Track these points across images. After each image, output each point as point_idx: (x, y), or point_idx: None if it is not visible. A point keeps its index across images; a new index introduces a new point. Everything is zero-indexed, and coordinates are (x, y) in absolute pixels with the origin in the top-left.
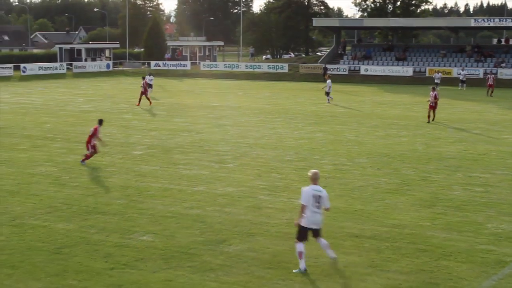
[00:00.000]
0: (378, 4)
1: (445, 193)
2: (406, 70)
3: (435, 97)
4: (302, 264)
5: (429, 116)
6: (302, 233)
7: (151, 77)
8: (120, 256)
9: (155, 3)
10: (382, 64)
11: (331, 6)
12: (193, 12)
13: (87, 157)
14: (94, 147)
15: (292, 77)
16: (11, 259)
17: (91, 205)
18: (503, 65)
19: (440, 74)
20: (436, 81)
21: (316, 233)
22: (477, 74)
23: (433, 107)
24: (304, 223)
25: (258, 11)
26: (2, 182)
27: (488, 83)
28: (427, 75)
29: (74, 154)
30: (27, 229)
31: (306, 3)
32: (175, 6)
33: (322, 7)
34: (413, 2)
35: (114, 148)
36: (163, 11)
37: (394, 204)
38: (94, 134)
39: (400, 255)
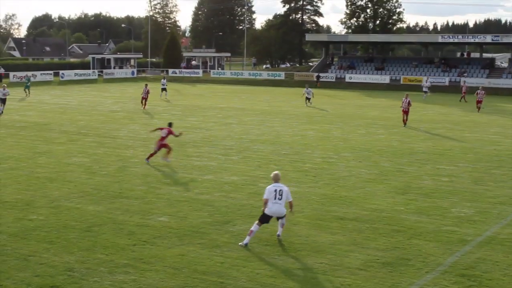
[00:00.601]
0: (360, 22)
1: (416, 182)
2: (384, 78)
3: (409, 103)
4: (247, 240)
5: (403, 120)
6: (264, 218)
7: (165, 80)
8: (141, 234)
9: (173, 20)
10: (364, 73)
11: (321, 24)
12: (204, 28)
13: (151, 155)
14: (162, 146)
15: (288, 84)
16: (49, 235)
17: (117, 191)
18: (465, 74)
19: (429, 82)
20: (424, 89)
21: (280, 218)
22: (443, 82)
23: (406, 112)
24: (267, 211)
25: (260, 28)
26: (43, 170)
27: (477, 99)
28: (401, 82)
29: (103, 147)
30: (62, 210)
31: (300, 21)
32: (190, 23)
33: (313, 25)
34: (390, 21)
35: (136, 142)
36: (179, 26)
37: (373, 192)
38: (167, 136)
39: (378, 234)
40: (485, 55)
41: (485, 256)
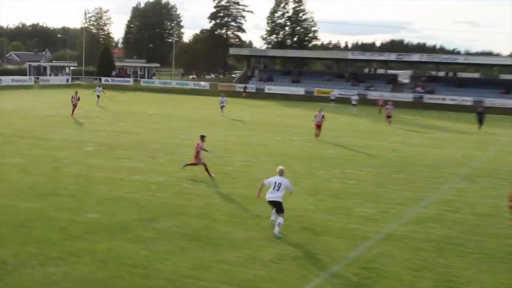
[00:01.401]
0: (280, 39)
1: (325, 184)
2: (299, 90)
3: (322, 117)
4: (272, 217)
5: (316, 134)
6: (268, 203)
7: (100, 88)
8: (72, 229)
9: (106, 32)
10: (281, 85)
11: (244, 39)
12: (136, 40)
13: (193, 164)
14: (198, 158)
15: (212, 93)
16: None
17: (50, 189)
18: (371, 88)
19: (357, 96)
20: (353, 102)
21: (275, 205)
22: (352, 95)
23: (319, 126)
24: (267, 198)
25: (188, 41)
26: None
27: (387, 114)
28: (315, 94)
29: (38, 148)
30: None
31: (224, 36)
32: (123, 35)
33: (237, 40)
34: (306, 38)
35: (70, 144)
36: (112, 38)
37: (286, 193)
38: (199, 149)
39: (290, 231)
40: (389, 71)
41: (384, 251)
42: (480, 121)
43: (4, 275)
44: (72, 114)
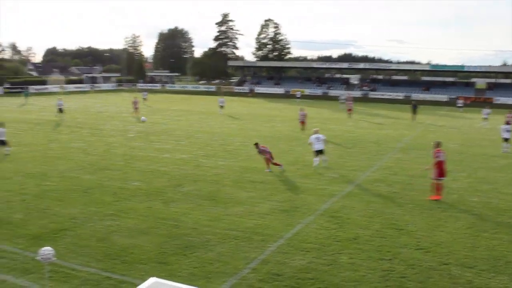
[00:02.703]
0: (264, 53)
1: (302, 158)
2: (280, 90)
3: (305, 116)
4: (315, 163)
5: (301, 129)
6: (315, 153)
7: (146, 93)
8: (121, 194)
9: (139, 51)
10: (267, 87)
11: (239, 54)
12: (161, 56)
13: (273, 164)
14: (270, 156)
15: (217, 94)
16: (59, 196)
17: (104, 165)
18: (331, 88)
19: (352, 103)
20: (343, 101)
21: (320, 151)
22: (318, 93)
23: (303, 122)
24: (314, 148)
25: (199, 56)
26: (53, 152)
27: (348, 108)
28: (290, 93)
29: (94, 136)
30: (67, 178)
31: (224, 52)
32: (152, 52)
33: (233, 55)
34: (283, 53)
35: (117, 132)
36: (144, 55)
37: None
38: (266, 152)
39: (277, 191)
40: (343, 75)
41: (346, 204)
42: (414, 112)
43: (75, 227)
44: (135, 113)
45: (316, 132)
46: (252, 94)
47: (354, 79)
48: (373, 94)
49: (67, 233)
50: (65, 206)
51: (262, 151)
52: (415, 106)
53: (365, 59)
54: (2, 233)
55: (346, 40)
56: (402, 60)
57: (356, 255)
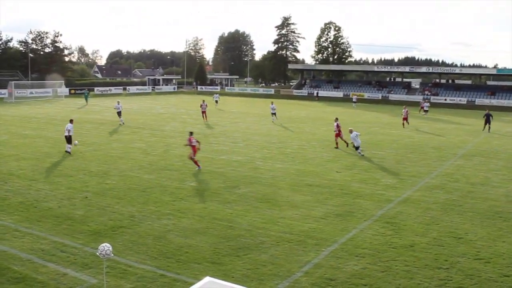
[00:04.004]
0: (324, 56)
1: (359, 162)
2: (339, 94)
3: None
4: (359, 151)
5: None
6: (356, 148)
7: (217, 95)
8: (178, 194)
9: (201, 54)
10: (326, 90)
11: (298, 57)
12: (221, 59)
13: (191, 158)
14: (193, 151)
15: (276, 96)
16: (119, 194)
17: (163, 165)
18: (392, 92)
19: (428, 103)
20: (425, 108)
21: (358, 144)
22: (378, 97)
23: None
24: (356, 144)
25: (258, 59)
26: (115, 151)
27: (403, 116)
28: (350, 96)
29: (154, 136)
30: (127, 177)
31: (284, 55)
32: (212, 55)
33: (293, 58)
34: (343, 56)
35: (176, 133)
36: (205, 58)
37: (330, 168)
38: (192, 145)
39: (333, 196)
40: (405, 80)
41: (402, 210)
42: (488, 122)
43: (133, 225)
44: (205, 119)
45: (351, 131)
46: (318, 98)
47: (416, 83)
48: (434, 99)
49: (125, 231)
50: (124, 204)
51: (189, 143)
52: (488, 115)
53: (427, 62)
54: (64, 229)
55: (409, 44)
56: (466, 63)
57: (412, 263)
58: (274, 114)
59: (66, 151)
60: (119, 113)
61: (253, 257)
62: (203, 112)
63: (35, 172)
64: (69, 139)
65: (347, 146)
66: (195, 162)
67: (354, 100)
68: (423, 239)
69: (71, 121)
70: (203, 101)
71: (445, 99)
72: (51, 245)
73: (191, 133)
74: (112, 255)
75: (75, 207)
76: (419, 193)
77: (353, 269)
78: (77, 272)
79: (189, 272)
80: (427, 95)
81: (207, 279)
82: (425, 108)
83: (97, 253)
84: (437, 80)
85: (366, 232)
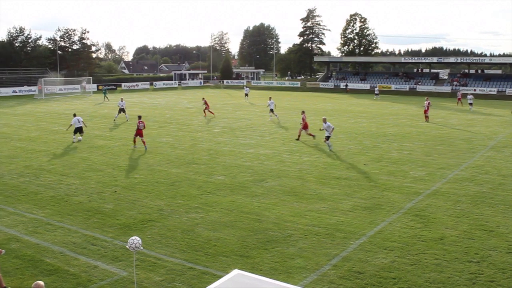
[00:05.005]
0: (350, 48)
1: (387, 154)
2: (366, 86)
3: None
4: (330, 148)
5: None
6: (326, 138)
7: (248, 88)
8: (206, 187)
9: (226, 48)
10: (352, 82)
11: (324, 50)
12: (247, 53)
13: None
14: (137, 132)
15: (302, 89)
16: (147, 188)
17: (190, 159)
18: (419, 83)
19: (471, 96)
20: (470, 101)
21: (327, 138)
22: (405, 88)
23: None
24: (326, 134)
25: (284, 52)
26: (142, 146)
27: (424, 108)
28: (376, 88)
29: (181, 131)
30: (156, 171)
31: (310, 48)
32: (238, 49)
33: (319, 50)
34: (370, 47)
35: (203, 128)
36: (231, 52)
37: (358, 160)
38: (138, 127)
39: (361, 188)
40: (432, 70)
41: (431, 203)
42: None
43: (162, 219)
44: (205, 115)
45: (324, 120)
46: (348, 90)
47: (444, 73)
48: (463, 89)
49: (154, 224)
50: (153, 198)
51: (138, 125)
52: None
53: (456, 52)
54: (94, 222)
55: (437, 34)
56: (496, 53)
57: (442, 256)
58: (272, 110)
59: (77, 141)
60: (122, 110)
61: (281, 250)
62: (206, 107)
63: (65, 167)
64: (80, 130)
65: (313, 137)
66: (143, 143)
67: (376, 92)
68: (453, 232)
69: (74, 115)
70: (203, 98)
71: (474, 90)
72: (82, 238)
73: (139, 117)
74: (142, 248)
75: (105, 201)
76: (448, 185)
77: (382, 262)
78: (108, 264)
79: (217, 265)
80: (456, 85)
81: (235, 271)
82: (470, 101)
83: (127, 246)
84: (466, 71)
85: (395, 225)
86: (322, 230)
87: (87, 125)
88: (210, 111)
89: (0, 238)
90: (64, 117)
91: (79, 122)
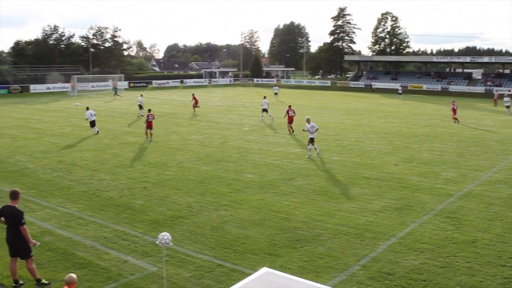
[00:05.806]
0: (381, 47)
1: (418, 155)
2: (397, 85)
3: (287, 112)
4: (309, 153)
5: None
6: (310, 140)
7: (277, 87)
8: (235, 185)
9: (256, 46)
10: (383, 82)
11: (355, 49)
12: (277, 51)
13: (146, 133)
14: (148, 124)
15: (332, 88)
16: (177, 185)
17: (220, 157)
18: (452, 83)
19: (508, 98)
20: (506, 104)
21: (311, 140)
22: (437, 88)
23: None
24: (309, 136)
25: (314, 51)
26: (173, 143)
27: (452, 108)
28: (408, 88)
29: (211, 128)
30: (185, 169)
31: (340, 47)
32: (268, 48)
33: (349, 49)
34: (401, 47)
35: (233, 126)
36: (261, 50)
37: (388, 160)
38: (148, 120)
39: (391, 189)
40: (465, 70)
41: (463, 205)
42: None
43: (191, 216)
44: (194, 110)
45: (308, 121)
46: (372, 89)
47: (477, 73)
48: (498, 90)
49: (183, 221)
50: (183, 195)
51: (148, 118)
52: None
53: (490, 52)
54: (125, 218)
55: (470, 33)
56: None
57: (474, 259)
58: (266, 110)
59: (96, 133)
60: (140, 106)
61: (310, 249)
62: (194, 106)
63: (97, 163)
64: (93, 123)
65: (291, 133)
66: (151, 135)
67: (399, 92)
68: (485, 235)
69: (87, 108)
70: (192, 94)
71: (509, 90)
72: (113, 233)
73: (149, 110)
74: (171, 244)
75: (135, 197)
76: (481, 187)
77: (412, 264)
78: (138, 259)
79: (246, 263)
80: (490, 86)
81: (264, 269)
82: (506, 104)
83: (157, 242)
84: (500, 70)
85: (426, 226)
86: (351, 230)
87: (118, 122)
88: (196, 106)
89: (35, 231)
90: (96, 114)
91: (91, 115)
